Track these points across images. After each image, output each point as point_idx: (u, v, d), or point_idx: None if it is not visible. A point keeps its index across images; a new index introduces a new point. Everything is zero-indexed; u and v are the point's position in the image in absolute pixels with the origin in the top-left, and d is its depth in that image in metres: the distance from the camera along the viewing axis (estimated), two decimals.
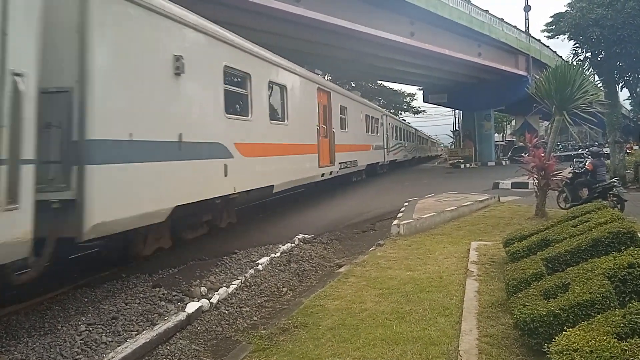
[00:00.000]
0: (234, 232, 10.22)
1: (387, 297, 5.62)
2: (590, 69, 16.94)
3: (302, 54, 21.80)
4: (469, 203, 11.89)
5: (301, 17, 17.91)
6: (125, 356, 4.36)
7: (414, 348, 4.21)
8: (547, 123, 54.13)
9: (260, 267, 7.33)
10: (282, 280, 7.04)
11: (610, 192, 10.78)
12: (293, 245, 8.76)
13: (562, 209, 11.39)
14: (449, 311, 5.05)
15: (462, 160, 39.02)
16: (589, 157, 11.92)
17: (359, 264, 7.27)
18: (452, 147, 50.35)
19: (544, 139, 25.01)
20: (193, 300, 5.74)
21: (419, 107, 57.44)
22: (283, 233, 9.81)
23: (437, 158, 66.49)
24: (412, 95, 54.31)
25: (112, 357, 4.27)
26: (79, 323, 4.90)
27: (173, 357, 4.57)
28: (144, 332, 4.85)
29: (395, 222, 9.68)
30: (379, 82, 47.27)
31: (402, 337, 4.47)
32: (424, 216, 10.11)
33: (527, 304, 4.07)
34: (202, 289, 6.23)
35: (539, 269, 4.84)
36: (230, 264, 7.56)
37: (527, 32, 37.27)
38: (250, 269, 7.21)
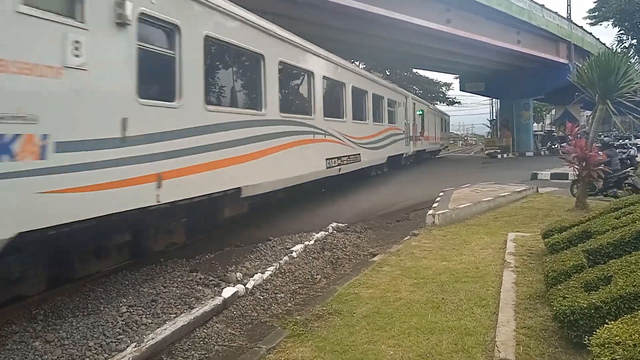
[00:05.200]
0: (268, 220, 10.32)
1: (422, 287, 5.59)
2: (636, 57, 16.32)
3: (336, 43, 21.70)
4: (506, 193, 11.66)
5: (337, 5, 17.79)
6: (165, 338, 4.48)
7: (449, 338, 4.19)
8: (588, 112, 52.50)
9: (294, 254, 7.40)
10: (316, 267, 7.08)
11: (626, 182, 10.96)
12: (327, 233, 8.79)
13: (574, 197, 11.45)
14: (486, 302, 4.99)
15: (499, 150, 38.21)
16: (632, 147, 11.83)
17: (393, 253, 7.24)
18: (489, 136, 49.36)
19: (584, 128, 24.29)
20: (229, 285, 5.85)
21: (454, 97, 56.31)
22: (316, 221, 9.85)
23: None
24: (448, 84, 53.43)
25: (152, 338, 4.40)
26: (120, 305, 5.07)
27: (210, 340, 4.67)
28: (182, 315, 4.98)
29: (431, 212, 9.59)
30: (414, 70, 46.64)
31: (437, 326, 4.44)
32: (460, 206, 9.97)
33: (567, 296, 3.99)
34: (238, 274, 6.33)
35: (580, 261, 4.72)
36: (265, 250, 7.66)
37: (568, 19, 36.00)
38: (284, 256, 7.29)
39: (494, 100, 49.01)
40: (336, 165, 12.43)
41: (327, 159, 11.76)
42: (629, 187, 10.78)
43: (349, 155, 13.65)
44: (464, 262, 6.55)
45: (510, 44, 28.92)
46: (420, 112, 27.33)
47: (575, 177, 12.00)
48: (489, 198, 11.01)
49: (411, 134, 23.85)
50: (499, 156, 36.71)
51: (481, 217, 9.78)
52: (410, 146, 23.78)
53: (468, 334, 4.24)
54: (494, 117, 47.88)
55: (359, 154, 14.75)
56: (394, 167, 21.54)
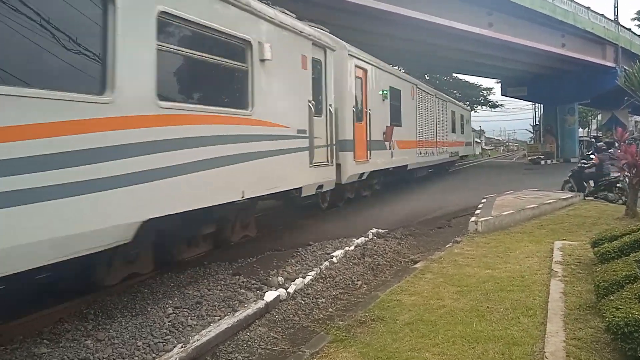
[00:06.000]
0: (308, 225, 10.38)
1: (465, 295, 5.50)
2: None
3: (375, 47, 21.69)
4: (551, 201, 11.34)
5: (374, 9, 17.85)
6: (209, 339, 4.55)
7: (495, 347, 4.10)
8: (637, 118, 50.62)
9: (334, 259, 7.40)
10: (356, 273, 7.06)
11: (616, 185, 11.83)
12: (367, 239, 8.75)
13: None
14: (533, 312, 4.86)
15: (542, 156, 37.32)
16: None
17: (435, 260, 7.15)
18: (532, 142, 48.25)
19: (633, 134, 23.49)
20: (271, 289, 5.89)
21: (496, 101, 55.11)
22: (356, 227, 9.82)
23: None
24: (489, 89, 52.46)
25: (198, 340, 4.48)
26: (167, 306, 5.18)
27: (253, 343, 4.72)
28: (226, 317, 5.04)
29: (473, 219, 9.43)
30: (454, 74, 46.07)
31: (482, 335, 4.36)
32: (503, 213, 9.76)
33: (620, 307, 3.84)
34: (279, 278, 6.38)
35: (633, 271, 4.55)
36: (305, 255, 7.68)
37: (615, 21, 34.94)
38: (325, 261, 7.29)
39: (536, 105, 47.95)
40: None
41: None
42: (619, 191, 11.61)
43: None
44: (509, 270, 6.41)
45: (555, 47, 28.29)
46: (385, 93, 14.30)
47: (568, 177, 14.06)
48: (533, 205, 10.73)
49: (347, 137, 11.44)
50: (543, 162, 35.84)
51: (525, 225, 9.55)
52: (348, 165, 11.42)
53: (515, 344, 4.14)
54: (537, 123, 46.80)
55: None
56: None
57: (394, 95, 15.22)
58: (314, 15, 14.95)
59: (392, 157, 14.88)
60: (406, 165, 16.69)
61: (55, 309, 5.11)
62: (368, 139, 12.79)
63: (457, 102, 29.72)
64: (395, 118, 15.34)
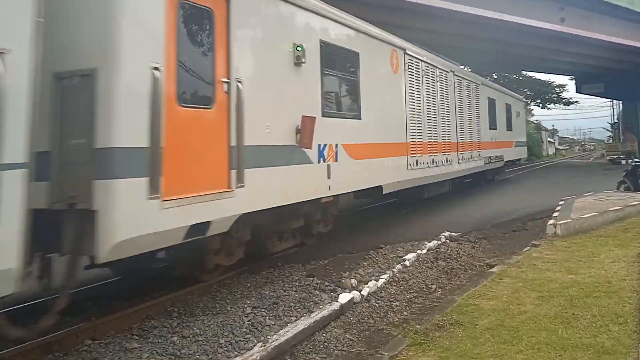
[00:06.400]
0: (378, 227, 10.34)
1: (547, 301, 5.30)
2: None
3: (446, 48, 21.30)
4: (636, 203, 10.66)
5: (443, 10, 17.58)
6: (287, 339, 4.64)
7: (584, 356, 3.93)
8: None
9: (407, 262, 7.31)
10: (430, 277, 6.95)
11: None
12: (439, 242, 8.58)
13: None
14: (623, 319, 4.62)
15: (622, 156, 35.16)
16: None
17: (512, 264, 6.93)
18: (610, 141, 45.72)
19: None
20: (345, 292, 5.91)
21: (570, 98, 52.38)
22: (427, 230, 9.68)
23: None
24: (562, 86, 50.03)
25: (276, 339, 4.57)
26: (245, 306, 5.33)
27: (329, 345, 4.76)
28: (302, 318, 5.12)
29: (551, 221, 9.04)
30: (524, 72, 44.38)
31: (569, 343, 4.18)
32: (584, 216, 9.28)
33: None
34: (353, 281, 6.39)
35: None
36: (377, 258, 7.64)
37: None
38: (397, 264, 7.22)
39: (615, 101, 45.41)
40: None
41: None
42: None
43: None
44: (594, 275, 6.11)
45: (633, 41, 26.64)
46: (300, 50, 6.79)
47: (622, 177, 13.73)
48: (617, 207, 10.14)
49: (122, 144, 4.25)
50: (623, 162, 33.77)
51: (609, 228, 9.06)
52: (121, 213, 4.22)
53: (606, 353, 3.94)
54: (616, 120, 44.29)
55: None
56: None
57: (335, 60, 8.20)
58: (373, 17, 14.97)
59: (328, 175, 7.74)
60: (379, 187, 9.53)
61: (142, 306, 5.40)
62: (233, 143, 5.68)
63: (499, 87, 21.37)
64: (339, 103, 8.43)
